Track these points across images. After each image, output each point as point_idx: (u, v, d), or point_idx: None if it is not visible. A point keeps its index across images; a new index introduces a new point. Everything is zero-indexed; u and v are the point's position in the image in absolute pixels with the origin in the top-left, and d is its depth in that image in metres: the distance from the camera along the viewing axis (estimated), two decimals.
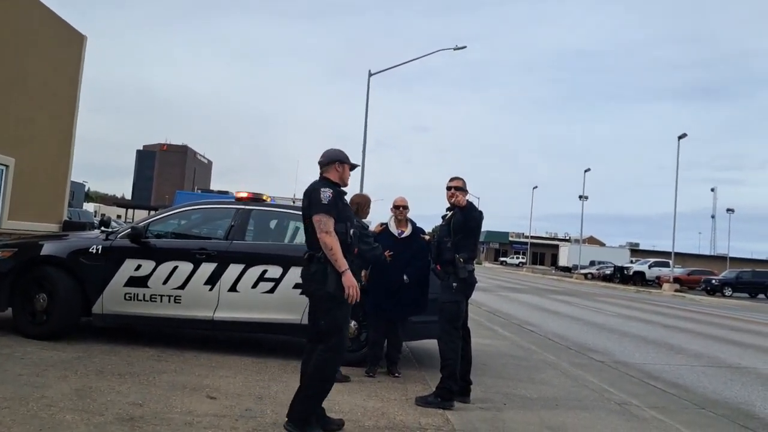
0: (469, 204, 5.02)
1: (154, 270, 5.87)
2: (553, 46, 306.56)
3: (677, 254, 39.07)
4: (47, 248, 6.11)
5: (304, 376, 3.82)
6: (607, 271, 43.82)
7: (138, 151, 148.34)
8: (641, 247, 79.62)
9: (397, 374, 5.82)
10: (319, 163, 4.03)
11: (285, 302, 5.78)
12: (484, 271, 46.70)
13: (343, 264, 3.69)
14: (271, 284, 5.85)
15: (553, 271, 63.74)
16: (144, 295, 5.87)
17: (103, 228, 6.88)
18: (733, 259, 59.36)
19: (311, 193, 3.83)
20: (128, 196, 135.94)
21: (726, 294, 33.45)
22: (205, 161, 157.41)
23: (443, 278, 5.08)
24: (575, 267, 52.20)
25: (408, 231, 5.93)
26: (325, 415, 3.90)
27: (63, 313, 5.83)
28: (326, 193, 3.77)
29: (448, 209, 5.17)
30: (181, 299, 5.86)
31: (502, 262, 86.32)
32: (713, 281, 34.87)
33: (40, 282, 5.89)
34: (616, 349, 9.45)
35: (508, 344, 9.02)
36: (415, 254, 5.82)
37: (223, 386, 4.77)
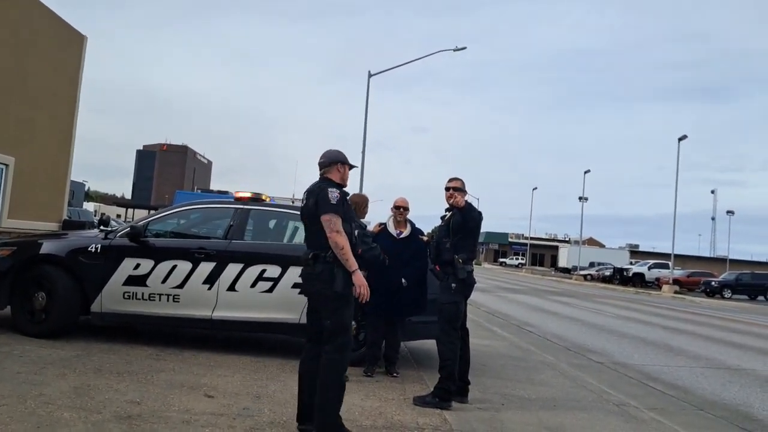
0: (468, 204, 5.03)
1: (152, 269, 5.88)
2: (552, 46, 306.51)
3: (677, 256, 39.10)
4: (46, 247, 6.12)
5: (304, 377, 3.81)
6: (607, 273, 43.83)
7: (138, 151, 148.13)
8: (641, 249, 79.71)
9: (395, 374, 5.82)
10: (320, 164, 4.00)
11: (283, 302, 5.79)
12: (484, 272, 46.70)
13: (353, 263, 3.69)
14: (269, 284, 5.85)
15: (553, 272, 63.81)
16: (143, 294, 5.87)
17: (102, 227, 6.86)
18: (733, 261, 59.51)
19: (318, 193, 3.79)
20: (128, 195, 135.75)
21: (725, 296, 33.50)
22: (205, 161, 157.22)
23: (442, 279, 5.07)
24: (575, 268, 52.21)
25: (407, 232, 5.94)
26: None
27: (62, 312, 5.83)
28: (334, 193, 3.76)
29: (447, 210, 5.17)
30: (179, 298, 5.86)
31: (501, 263, 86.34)
32: (713, 283, 34.92)
33: (39, 280, 5.89)
34: (614, 350, 9.45)
35: (507, 345, 9.02)
36: (413, 255, 5.82)
37: (221, 385, 4.78)
